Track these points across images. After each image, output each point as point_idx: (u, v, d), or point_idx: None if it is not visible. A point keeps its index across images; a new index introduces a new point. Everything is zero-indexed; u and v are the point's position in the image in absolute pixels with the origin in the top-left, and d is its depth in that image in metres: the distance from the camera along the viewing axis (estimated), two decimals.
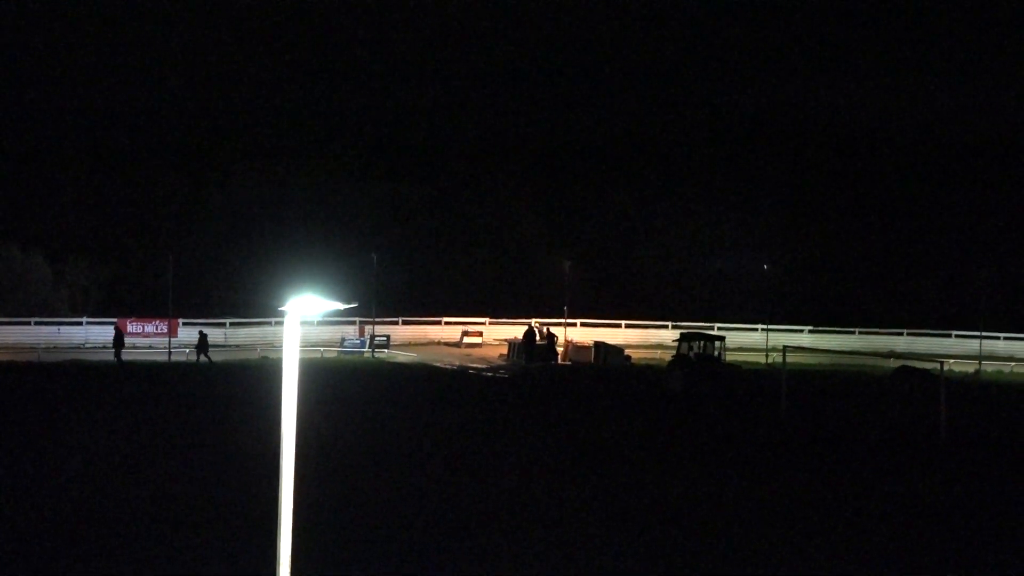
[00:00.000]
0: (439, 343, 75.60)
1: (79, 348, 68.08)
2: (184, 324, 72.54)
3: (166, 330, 68.76)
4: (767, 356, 67.11)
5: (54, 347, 67.71)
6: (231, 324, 74.72)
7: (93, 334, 71.75)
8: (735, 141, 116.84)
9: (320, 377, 45.33)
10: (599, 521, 20.00)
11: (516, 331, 72.01)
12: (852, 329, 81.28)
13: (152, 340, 70.85)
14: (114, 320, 73.03)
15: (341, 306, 9.15)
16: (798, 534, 19.77)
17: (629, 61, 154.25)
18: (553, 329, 71.77)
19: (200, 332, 63.47)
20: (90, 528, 18.09)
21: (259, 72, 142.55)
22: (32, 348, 64.60)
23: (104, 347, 66.82)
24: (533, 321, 72.30)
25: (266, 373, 48.20)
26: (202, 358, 60.01)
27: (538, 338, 67.35)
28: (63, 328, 73.27)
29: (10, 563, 15.99)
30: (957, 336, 78.32)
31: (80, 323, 75.02)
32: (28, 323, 72.35)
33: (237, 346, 70.56)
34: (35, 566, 15.93)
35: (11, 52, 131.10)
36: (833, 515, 21.57)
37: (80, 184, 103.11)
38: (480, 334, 76.01)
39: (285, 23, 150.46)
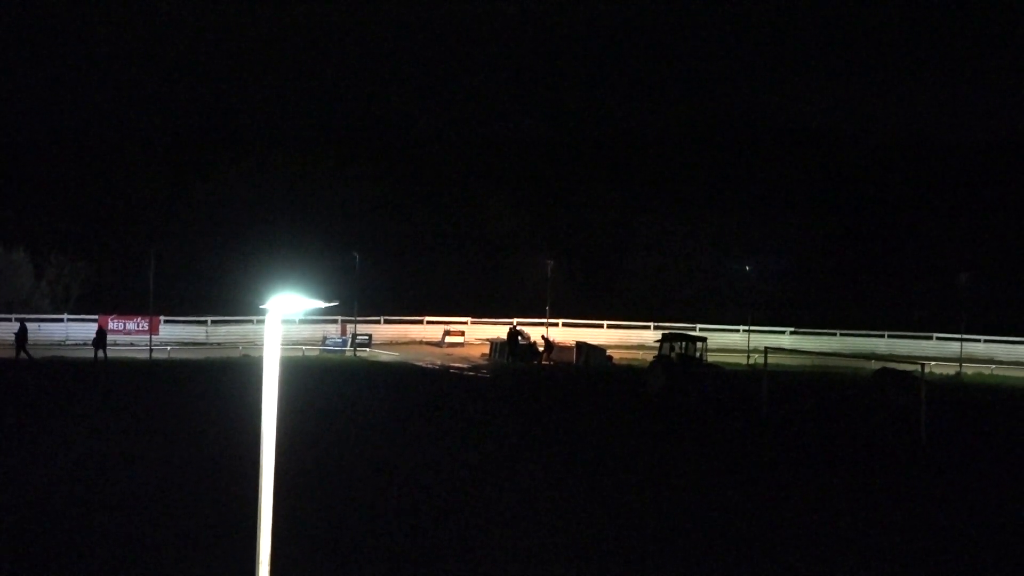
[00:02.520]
0: (421, 342, 75.60)
1: (60, 345, 67.86)
2: (165, 322, 72.45)
3: (147, 328, 68.57)
4: (748, 357, 67.29)
5: (34, 344, 67.46)
6: (212, 322, 74.61)
7: (74, 331, 71.56)
8: (717, 143, 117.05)
9: (301, 376, 45.33)
10: (580, 523, 20.00)
11: (498, 331, 72.13)
12: (833, 331, 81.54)
13: (133, 338, 70.70)
14: (95, 317, 72.92)
15: (322, 304, 9.14)
16: (779, 535, 19.81)
17: (614, 60, 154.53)
18: (529, 329, 71.98)
19: (21, 323, 61.45)
20: (65, 528, 18.03)
21: (242, 69, 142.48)
22: (12, 344, 64.30)
23: (84, 344, 66.66)
24: (515, 322, 72.46)
25: (247, 371, 48.15)
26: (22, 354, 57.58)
27: (520, 339, 67.54)
28: (44, 325, 73.01)
29: None
30: (938, 338, 78.65)
31: (61, 320, 74.83)
32: (8, 319, 72.06)
33: (218, 344, 70.50)
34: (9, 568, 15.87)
35: None
36: (814, 516, 21.62)
37: (62, 180, 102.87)
38: (462, 333, 76.03)
39: (269, 20, 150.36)
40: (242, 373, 46.77)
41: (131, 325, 72.48)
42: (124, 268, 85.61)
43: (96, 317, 73.40)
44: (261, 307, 8.82)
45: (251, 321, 71.78)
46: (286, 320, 9.17)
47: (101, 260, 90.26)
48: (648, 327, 79.33)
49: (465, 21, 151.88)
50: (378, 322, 75.99)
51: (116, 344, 69.00)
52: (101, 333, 60.35)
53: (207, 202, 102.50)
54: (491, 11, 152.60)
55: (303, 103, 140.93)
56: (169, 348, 65.18)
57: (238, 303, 73.84)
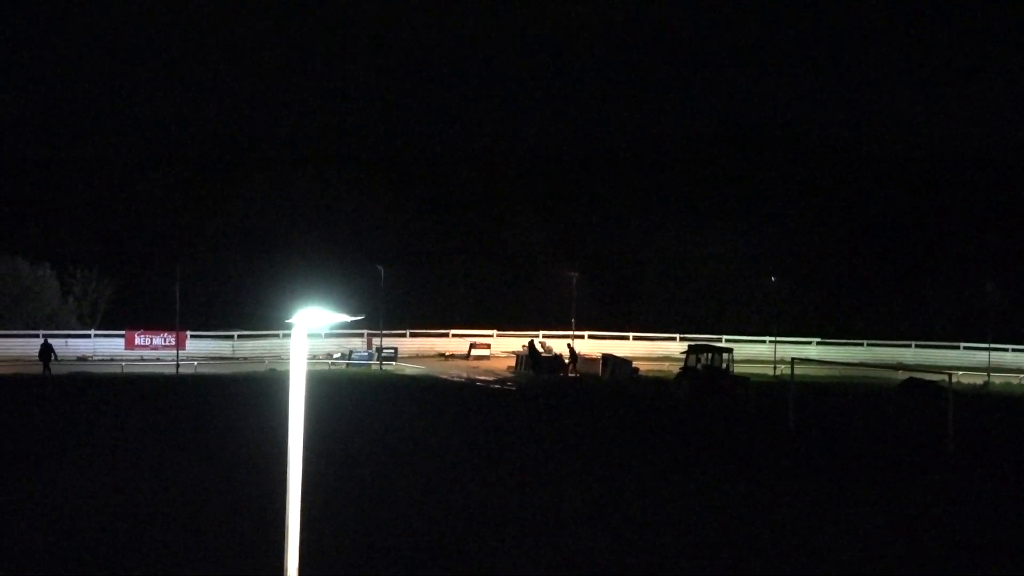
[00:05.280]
0: (447, 355, 75.52)
1: (86, 360, 68.11)
2: (192, 337, 72.68)
3: (174, 343, 68.78)
4: (775, 368, 67.08)
5: (61, 359, 67.77)
6: (239, 336, 74.81)
7: (101, 346, 71.81)
8: (742, 153, 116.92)
9: (327, 389, 45.35)
10: (603, 528, 19.96)
11: (523, 344, 72.13)
12: (860, 341, 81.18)
13: (160, 353, 70.95)
14: (122, 332, 73.31)
15: (348, 318, 9.17)
16: (804, 544, 19.74)
17: (636, 72, 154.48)
18: (551, 342, 72.23)
19: (45, 341, 62.63)
20: (99, 534, 18.12)
21: (265, 87, 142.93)
22: (38, 361, 64.57)
23: (112, 359, 67.09)
24: (540, 335, 72.57)
25: (274, 385, 48.24)
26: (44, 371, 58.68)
27: (543, 352, 67.58)
28: (71, 340, 73.35)
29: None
30: (965, 348, 78.21)
31: (88, 335, 75.14)
32: (36, 335, 72.38)
33: (245, 358, 70.64)
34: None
35: (19, 64, 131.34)
36: (840, 526, 21.53)
37: (87, 198, 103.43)
38: (488, 346, 75.97)
39: (294, 40, 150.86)
40: (268, 387, 46.86)
41: (158, 340, 72.78)
42: (150, 284, 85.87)
43: (123, 332, 73.76)
44: (287, 321, 8.86)
45: (277, 335, 71.97)
46: (312, 334, 9.20)
47: (127, 276, 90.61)
48: (674, 339, 79.11)
49: (489, 37, 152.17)
50: (404, 335, 76.05)
51: (143, 359, 69.40)
52: (47, 347, 60.53)
53: (232, 217, 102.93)
54: (514, 27, 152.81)
55: (328, 119, 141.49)
56: (196, 363, 65.32)
57: (264, 318, 74.08)
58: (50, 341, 62.90)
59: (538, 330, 77.02)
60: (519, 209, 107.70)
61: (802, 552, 19.10)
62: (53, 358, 59.55)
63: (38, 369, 59.88)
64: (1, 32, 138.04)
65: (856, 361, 71.00)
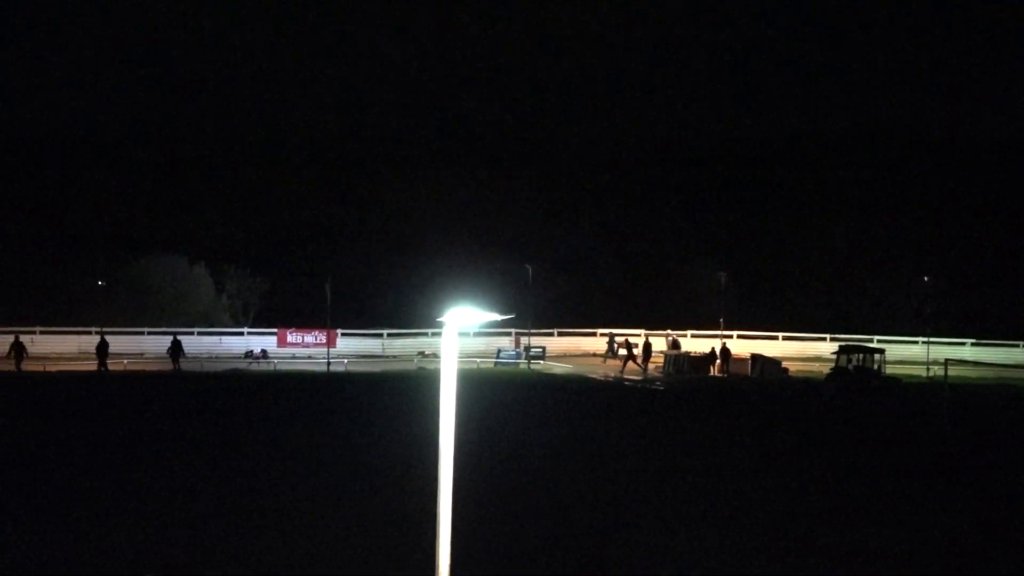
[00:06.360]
0: (594, 354, 75.44)
1: (239, 358, 69.44)
2: (343, 335, 73.64)
3: (325, 341, 69.74)
4: (928, 369, 65.77)
5: (215, 357, 69.21)
6: (388, 335, 75.58)
7: (254, 344, 73.14)
8: (895, 150, 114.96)
9: (475, 387, 45.52)
10: (762, 528, 19.65)
11: (670, 343, 71.93)
12: (1017, 342, 79.24)
13: (311, 351, 71.99)
14: (275, 331, 74.61)
15: (498, 317, 9.14)
16: (961, 553, 19.22)
17: (786, 66, 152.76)
18: (682, 340, 72.43)
19: (174, 338, 64.15)
20: (241, 528, 18.37)
21: (416, 87, 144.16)
22: (195, 358, 66.01)
23: (265, 359, 68.38)
24: (637, 334, 72.47)
25: (422, 383, 48.62)
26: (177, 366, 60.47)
27: (627, 348, 67.64)
28: (225, 338, 74.94)
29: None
30: None
31: (241, 333, 76.63)
32: (192, 333, 74.00)
33: (394, 356, 71.34)
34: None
35: (179, 65, 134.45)
36: (1000, 533, 20.92)
37: (240, 197, 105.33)
38: (636, 345, 75.70)
39: (443, 41, 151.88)
40: (418, 385, 47.23)
41: (309, 338, 73.85)
42: (301, 282, 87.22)
43: (275, 330, 75.05)
44: (437, 320, 8.89)
45: (426, 334, 72.59)
46: (461, 332, 9.21)
47: (278, 275, 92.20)
48: (824, 339, 78.03)
49: (635, 31, 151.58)
50: (551, 335, 76.17)
51: (295, 357, 70.53)
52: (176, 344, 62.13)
53: (382, 217, 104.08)
54: (649, 23, 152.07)
55: (476, 117, 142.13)
56: (346, 361, 66.13)
57: (413, 316, 74.80)
58: (205, 338, 64.73)
59: (686, 329, 76.59)
60: (667, 207, 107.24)
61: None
62: (182, 355, 61.44)
63: (195, 366, 61.39)
64: (164, 36, 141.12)
65: (1013, 363, 69.38)
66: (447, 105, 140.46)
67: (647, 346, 66.60)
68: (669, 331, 75.05)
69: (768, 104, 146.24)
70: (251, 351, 70.90)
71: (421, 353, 68.98)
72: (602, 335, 77.68)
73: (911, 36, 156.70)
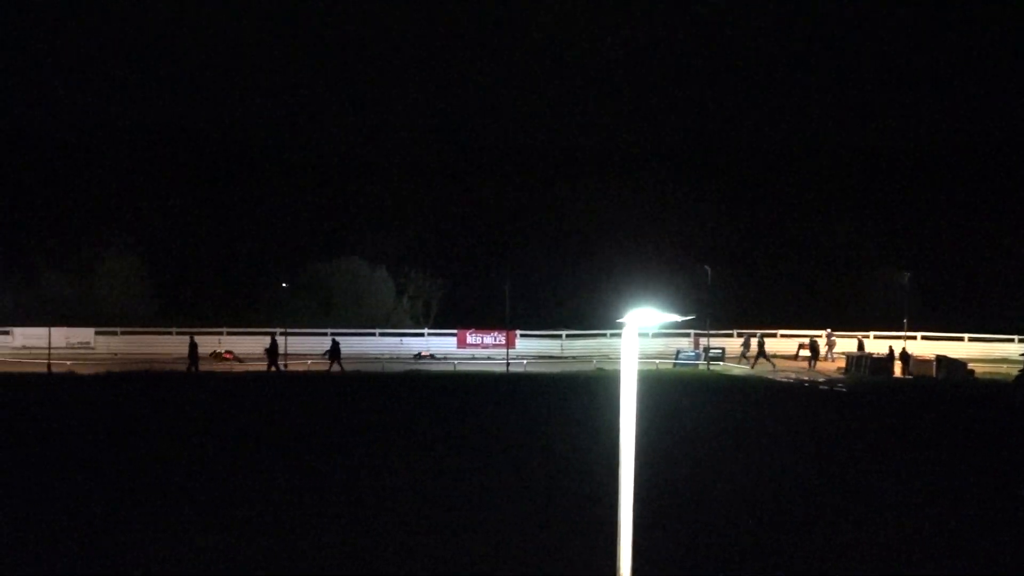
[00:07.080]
0: (775, 356, 74.51)
1: (417, 359, 70.25)
2: (521, 336, 74.02)
3: (504, 342, 70.10)
4: None
5: (396, 357, 70.11)
6: (567, 336, 75.75)
7: (434, 345, 73.93)
8: None
9: (654, 389, 45.29)
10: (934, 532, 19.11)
11: (856, 344, 70.73)
12: None
13: (491, 351, 72.49)
14: (454, 332, 75.36)
15: (678, 318, 9.07)
16: None
17: (960, 65, 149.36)
18: (865, 341, 71.24)
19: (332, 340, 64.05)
20: (426, 521, 18.48)
21: (588, 89, 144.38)
22: (376, 359, 66.90)
23: (446, 358, 69.04)
24: (825, 333, 71.46)
25: (602, 384, 48.52)
26: (334, 367, 60.23)
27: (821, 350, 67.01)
28: (405, 339, 75.87)
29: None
30: None
31: (421, 335, 77.52)
32: (373, 334, 75.13)
33: (573, 357, 71.41)
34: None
35: (355, 72, 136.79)
36: None
37: (420, 199, 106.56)
38: (817, 347, 74.58)
39: (621, 46, 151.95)
40: (597, 386, 47.16)
41: (488, 339, 74.43)
42: (480, 283, 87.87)
43: (455, 331, 75.78)
44: (618, 320, 8.83)
45: (604, 335, 72.53)
46: (639, 333, 9.12)
47: (457, 276, 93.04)
48: (1012, 340, 75.79)
49: (793, 32, 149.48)
50: (731, 335, 75.47)
51: (474, 358, 71.11)
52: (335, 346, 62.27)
53: (560, 217, 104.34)
54: (807, 20, 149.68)
55: (654, 119, 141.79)
56: (525, 362, 66.40)
57: (591, 317, 74.82)
58: (385, 339, 65.66)
59: (868, 331, 75.20)
60: (847, 208, 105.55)
61: None
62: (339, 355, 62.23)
63: (376, 367, 62.18)
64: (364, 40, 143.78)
65: None
66: (626, 109, 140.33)
67: (814, 345, 66.29)
68: (829, 330, 73.73)
69: (950, 100, 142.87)
70: (419, 353, 71.76)
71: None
72: (783, 336, 76.70)
73: None
